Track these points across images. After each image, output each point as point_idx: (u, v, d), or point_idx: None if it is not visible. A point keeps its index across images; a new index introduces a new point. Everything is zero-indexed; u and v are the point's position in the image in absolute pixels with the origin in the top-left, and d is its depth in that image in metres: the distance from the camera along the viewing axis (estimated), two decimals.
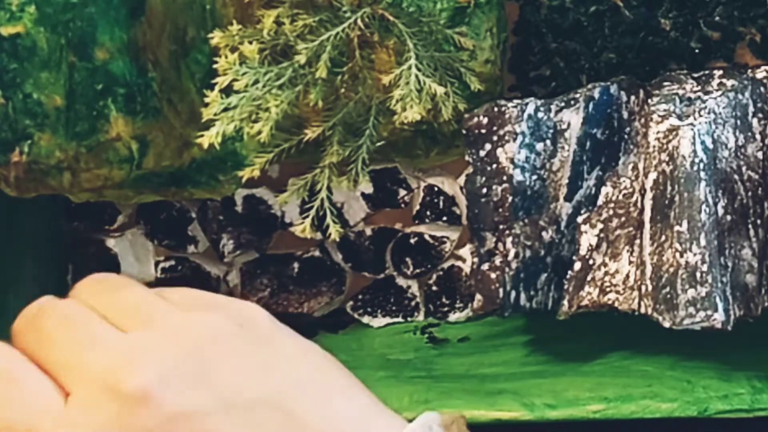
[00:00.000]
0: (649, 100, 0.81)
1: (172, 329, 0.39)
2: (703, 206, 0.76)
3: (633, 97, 0.82)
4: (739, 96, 0.80)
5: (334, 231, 0.74)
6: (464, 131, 0.80)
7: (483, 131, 0.79)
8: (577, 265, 0.81)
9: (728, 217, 0.78)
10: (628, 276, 0.80)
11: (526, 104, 0.79)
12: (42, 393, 0.38)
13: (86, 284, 0.43)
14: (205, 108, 0.70)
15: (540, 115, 0.79)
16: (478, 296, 0.80)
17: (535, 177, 0.79)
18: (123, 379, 0.36)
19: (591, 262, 0.81)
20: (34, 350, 0.40)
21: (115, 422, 0.36)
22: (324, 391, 0.39)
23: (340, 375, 0.40)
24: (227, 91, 0.71)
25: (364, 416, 0.39)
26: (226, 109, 0.69)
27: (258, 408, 0.37)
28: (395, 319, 0.96)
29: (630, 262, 0.80)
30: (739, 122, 0.79)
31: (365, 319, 0.96)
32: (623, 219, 0.80)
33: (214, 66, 0.71)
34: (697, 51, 0.88)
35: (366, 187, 0.94)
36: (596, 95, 0.81)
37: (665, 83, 0.83)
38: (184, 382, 0.37)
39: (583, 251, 0.81)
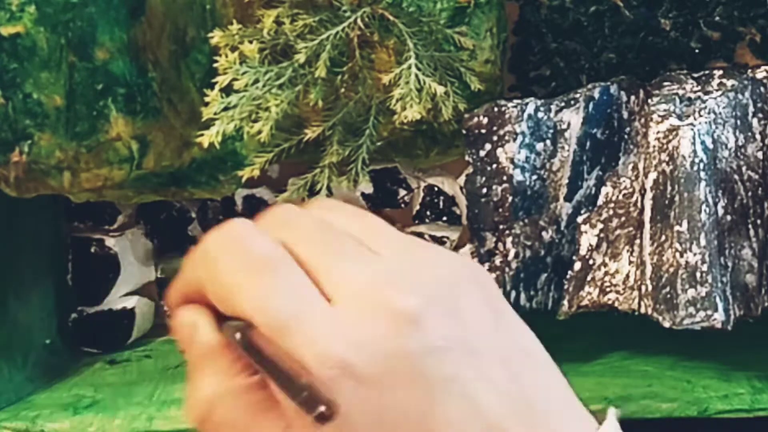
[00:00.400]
0: (649, 100, 0.81)
1: (427, 259, 0.39)
2: (703, 206, 0.76)
3: (633, 97, 0.82)
4: (739, 96, 0.80)
5: None
6: (464, 131, 0.80)
7: (483, 131, 0.79)
8: (577, 265, 0.81)
9: (728, 217, 0.78)
10: (628, 276, 0.80)
11: (526, 104, 0.79)
12: (307, 287, 0.37)
13: (321, 204, 0.42)
14: (205, 107, 0.70)
15: (540, 115, 0.79)
16: None
17: (535, 177, 0.79)
18: (395, 297, 0.36)
19: (591, 262, 0.81)
20: (290, 245, 0.39)
21: (381, 337, 0.36)
22: (540, 367, 0.39)
23: (547, 358, 0.40)
24: (227, 90, 0.71)
25: (570, 404, 0.40)
26: (226, 109, 0.69)
27: (497, 363, 0.37)
28: None
29: (630, 262, 0.80)
30: (739, 122, 0.79)
31: None
32: (623, 219, 0.80)
33: (214, 66, 0.71)
34: (697, 51, 0.88)
35: (366, 187, 0.94)
36: (596, 95, 0.81)
37: (665, 83, 0.83)
38: (445, 314, 0.37)
39: (583, 251, 0.81)
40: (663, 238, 0.77)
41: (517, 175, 0.79)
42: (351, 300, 0.37)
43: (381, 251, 0.39)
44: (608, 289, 0.80)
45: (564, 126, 0.80)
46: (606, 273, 0.80)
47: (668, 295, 0.75)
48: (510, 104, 0.79)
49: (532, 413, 0.37)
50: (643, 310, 0.78)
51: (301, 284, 0.37)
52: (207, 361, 0.39)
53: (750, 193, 0.79)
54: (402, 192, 0.96)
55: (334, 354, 0.36)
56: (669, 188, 0.77)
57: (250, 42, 0.71)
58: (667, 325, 0.76)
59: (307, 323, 0.36)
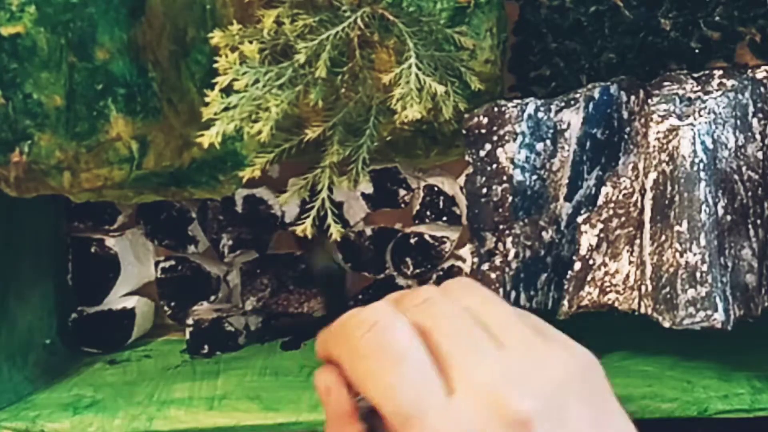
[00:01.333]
0: (649, 100, 0.81)
1: (545, 356, 0.41)
2: (703, 206, 0.76)
3: (633, 97, 0.82)
4: (739, 96, 0.80)
5: (335, 231, 0.74)
6: (464, 131, 0.80)
7: (483, 131, 0.79)
8: (577, 265, 0.81)
9: (728, 217, 0.78)
10: (628, 276, 0.80)
11: (526, 104, 0.79)
12: (430, 381, 0.40)
13: (457, 285, 0.45)
14: (205, 107, 0.70)
15: (540, 115, 0.79)
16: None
17: (535, 177, 0.79)
18: (512, 400, 0.39)
19: (591, 262, 0.81)
20: (428, 331, 0.41)
21: None
22: None
23: None
24: (227, 90, 0.71)
25: None
26: (226, 109, 0.69)
27: None
28: None
29: (630, 262, 0.80)
30: (739, 122, 0.79)
31: None
32: (623, 219, 0.80)
33: (214, 66, 0.71)
34: (697, 51, 0.88)
35: (366, 187, 0.94)
36: (596, 95, 0.81)
37: (665, 83, 0.83)
38: (553, 420, 0.39)
39: (583, 251, 0.81)
40: (663, 238, 0.77)
41: (517, 175, 0.79)
42: (471, 394, 0.39)
43: (507, 342, 0.41)
44: (608, 289, 0.80)
45: (564, 126, 0.80)
46: (606, 273, 0.80)
47: (668, 295, 0.75)
48: (510, 104, 0.79)
49: None
50: (643, 310, 0.78)
51: (426, 378, 0.40)
52: (337, 423, 0.43)
53: (750, 193, 0.79)
54: (402, 192, 0.96)
55: None
56: (669, 188, 0.77)
57: (250, 42, 0.71)
58: (667, 325, 0.76)
59: (426, 418, 0.39)
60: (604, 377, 0.43)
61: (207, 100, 0.70)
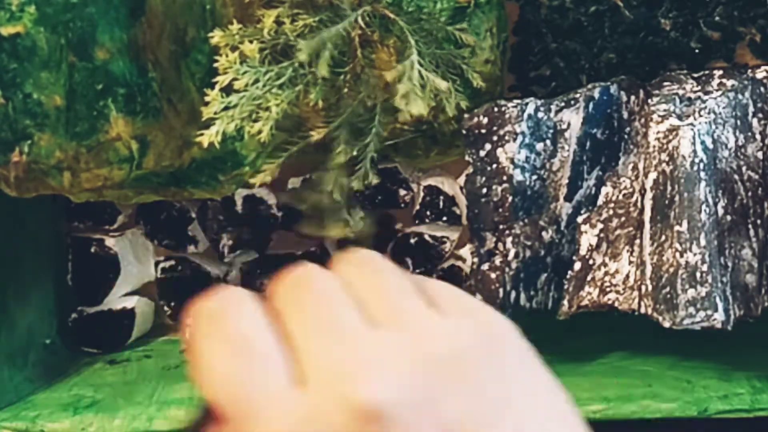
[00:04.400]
0: (649, 100, 0.81)
1: (416, 336, 0.35)
2: (703, 206, 0.76)
3: (633, 97, 0.82)
4: (739, 96, 0.80)
5: (336, 230, 0.74)
6: (464, 131, 0.80)
7: (483, 131, 0.79)
8: (577, 265, 0.81)
9: (728, 217, 0.78)
10: (628, 276, 0.80)
11: (526, 104, 0.79)
12: (273, 371, 0.35)
13: (351, 259, 0.39)
14: (206, 107, 0.70)
15: (540, 115, 0.79)
16: (478, 296, 0.80)
17: (535, 177, 0.79)
18: (360, 388, 0.33)
19: (591, 262, 0.81)
20: (286, 316, 0.36)
21: (337, 429, 0.33)
22: None
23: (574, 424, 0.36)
24: (227, 90, 0.71)
25: None
26: (226, 108, 0.69)
27: None
28: None
29: (630, 262, 0.80)
30: (739, 122, 0.79)
31: None
32: (623, 219, 0.80)
33: (214, 66, 0.71)
34: (697, 51, 0.88)
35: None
36: (596, 95, 0.80)
37: (665, 83, 0.83)
38: (416, 410, 0.33)
39: (583, 251, 0.81)
40: (663, 238, 0.77)
41: (517, 175, 0.79)
42: (320, 384, 0.34)
43: (384, 321, 0.35)
44: (608, 289, 0.80)
45: (564, 126, 0.80)
46: (606, 273, 0.80)
47: (668, 295, 0.75)
48: (510, 104, 0.79)
49: None
50: (643, 310, 0.78)
51: (268, 368, 0.35)
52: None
53: (750, 193, 0.79)
54: (402, 192, 0.95)
55: None
56: (669, 188, 0.77)
57: (250, 42, 0.71)
58: (667, 325, 0.76)
59: (263, 410, 0.34)
60: (519, 349, 0.36)
61: (207, 99, 0.70)
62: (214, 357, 0.35)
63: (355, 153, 0.74)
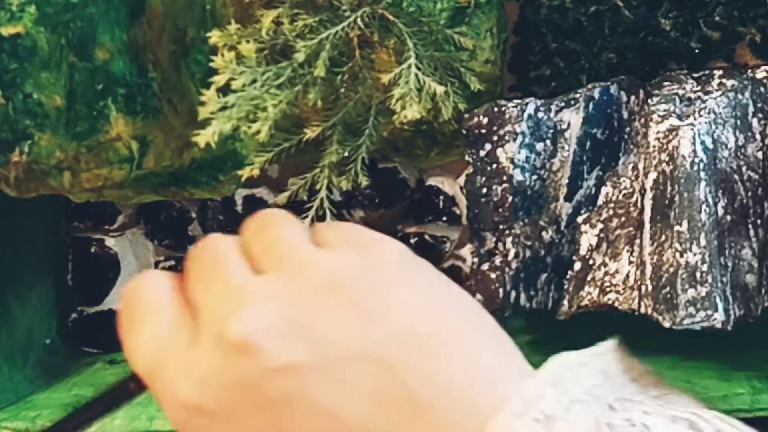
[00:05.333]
0: (649, 100, 0.81)
1: (293, 272, 0.38)
2: (703, 206, 0.76)
3: (633, 97, 0.82)
4: (739, 96, 0.80)
5: None
6: (464, 131, 0.80)
7: (483, 131, 0.79)
8: (577, 265, 0.81)
9: (728, 217, 0.78)
10: (628, 276, 0.80)
11: (526, 104, 0.79)
12: (175, 332, 0.38)
13: (252, 222, 0.43)
14: (202, 107, 0.70)
15: (540, 115, 0.79)
16: (478, 296, 0.80)
17: (535, 177, 0.79)
18: (228, 326, 0.36)
19: (591, 262, 0.81)
20: (190, 284, 0.40)
21: (219, 370, 0.37)
22: (435, 345, 0.37)
23: (464, 325, 0.38)
24: (225, 90, 0.70)
25: (473, 373, 0.37)
26: (223, 108, 0.69)
27: (354, 364, 0.36)
28: None
29: (630, 262, 0.80)
30: (739, 122, 0.79)
31: None
32: (623, 219, 0.80)
33: (214, 66, 0.71)
34: (697, 51, 0.88)
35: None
36: (596, 95, 0.80)
37: (665, 83, 0.83)
38: (285, 335, 0.36)
39: (583, 251, 0.81)
40: (663, 238, 0.77)
41: (517, 175, 0.79)
42: (205, 332, 0.37)
43: (263, 270, 0.38)
44: (608, 289, 0.80)
45: (564, 126, 0.80)
46: (606, 273, 0.80)
47: (668, 295, 0.75)
48: (510, 104, 0.79)
49: (409, 405, 0.36)
50: (643, 310, 0.78)
51: (171, 330, 0.38)
52: None
53: (750, 193, 0.79)
54: (402, 192, 0.95)
55: (182, 397, 0.37)
56: (669, 188, 0.77)
57: (248, 42, 0.71)
58: (667, 325, 0.76)
59: (166, 370, 0.38)
60: (398, 266, 0.39)
61: (203, 99, 0.70)
62: (130, 330, 0.40)
63: (347, 153, 0.74)
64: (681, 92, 0.81)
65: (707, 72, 0.84)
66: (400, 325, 0.37)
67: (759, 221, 0.79)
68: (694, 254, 0.75)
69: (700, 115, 0.78)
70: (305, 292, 0.37)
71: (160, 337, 0.38)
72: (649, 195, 0.78)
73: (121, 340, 0.40)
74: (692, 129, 0.77)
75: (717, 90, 0.81)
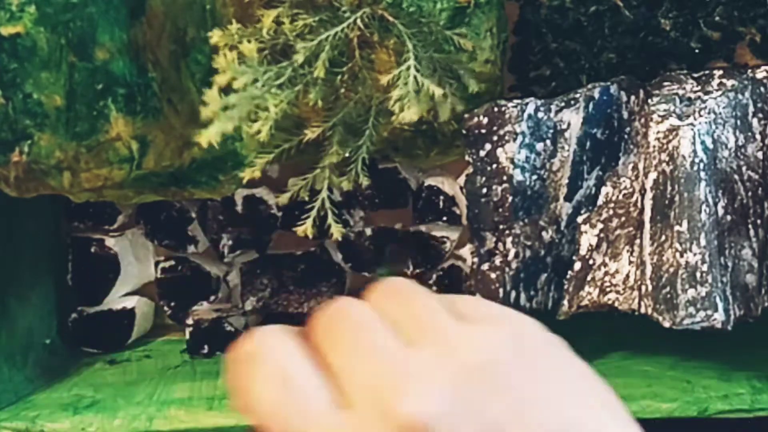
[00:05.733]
0: (649, 100, 0.81)
1: (446, 349, 0.37)
2: (703, 206, 0.76)
3: (633, 97, 0.82)
4: (739, 96, 0.80)
5: (336, 231, 0.74)
6: (464, 131, 0.80)
7: (483, 131, 0.79)
8: (577, 265, 0.81)
9: (728, 217, 0.78)
10: (628, 276, 0.80)
11: (526, 104, 0.79)
12: (316, 399, 0.37)
13: (383, 289, 0.41)
14: (204, 107, 0.70)
15: (540, 115, 0.79)
16: (478, 296, 0.80)
17: (535, 177, 0.79)
18: (403, 402, 0.35)
19: (591, 262, 0.81)
20: (324, 351, 0.39)
21: None
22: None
23: (614, 415, 0.39)
24: (226, 90, 0.70)
25: None
26: (225, 108, 0.69)
27: None
28: None
29: (630, 262, 0.80)
30: (739, 122, 0.79)
31: None
32: (623, 219, 0.80)
33: (215, 66, 0.71)
34: (697, 51, 0.88)
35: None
36: (596, 95, 0.81)
37: (665, 83, 0.83)
38: (457, 418, 0.35)
39: (583, 251, 0.81)
40: (663, 238, 0.77)
41: (517, 175, 0.79)
42: (362, 406, 0.36)
43: (417, 339, 0.37)
44: (608, 289, 0.80)
45: (564, 126, 0.80)
46: (606, 273, 0.80)
47: (668, 295, 0.75)
48: (510, 104, 0.79)
49: None
50: (643, 310, 0.78)
51: (311, 397, 0.37)
52: None
53: (750, 193, 0.79)
54: (402, 192, 0.95)
55: None
56: (669, 188, 0.77)
57: (249, 42, 0.71)
58: (667, 325, 0.76)
59: (308, 429, 0.36)
60: (549, 347, 0.39)
61: (204, 99, 0.70)
62: (259, 393, 0.38)
63: (347, 154, 0.74)
64: (681, 92, 0.81)
65: (707, 72, 0.84)
66: (558, 413, 0.37)
67: (759, 221, 0.79)
68: (694, 254, 0.75)
69: (700, 115, 0.78)
70: (468, 371, 0.36)
71: (297, 400, 0.37)
72: (649, 195, 0.78)
73: (233, 388, 0.39)
74: (692, 129, 0.77)
75: (717, 90, 0.81)
